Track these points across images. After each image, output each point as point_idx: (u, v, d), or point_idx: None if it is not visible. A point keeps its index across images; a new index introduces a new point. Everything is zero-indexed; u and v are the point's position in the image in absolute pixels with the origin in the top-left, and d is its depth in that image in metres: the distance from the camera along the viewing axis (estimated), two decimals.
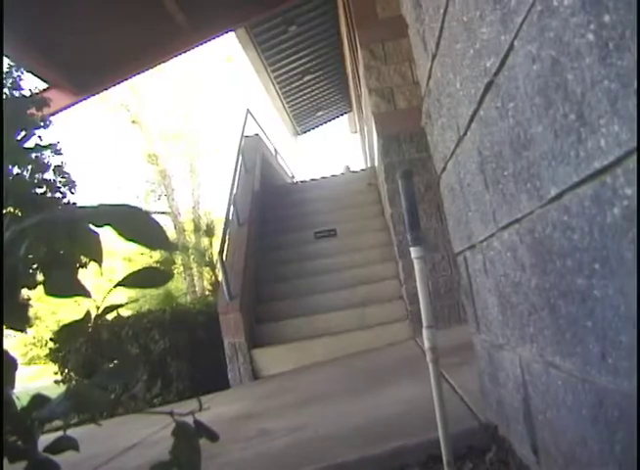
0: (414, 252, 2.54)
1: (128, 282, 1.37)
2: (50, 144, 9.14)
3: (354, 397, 4.93)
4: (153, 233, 1.05)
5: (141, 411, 1.56)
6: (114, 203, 1.09)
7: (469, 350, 3.78)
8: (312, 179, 14.66)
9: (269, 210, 11.85)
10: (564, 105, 1.31)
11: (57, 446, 1.34)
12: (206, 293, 14.10)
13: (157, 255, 20.86)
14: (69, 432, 1.38)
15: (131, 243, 1.06)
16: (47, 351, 9.80)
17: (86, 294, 1.40)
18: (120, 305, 1.62)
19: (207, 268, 14.49)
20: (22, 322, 1.19)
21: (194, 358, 8.66)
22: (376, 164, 11.05)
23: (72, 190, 9.48)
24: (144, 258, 21.95)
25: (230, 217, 9.88)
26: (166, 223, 27.68)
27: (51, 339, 9.45)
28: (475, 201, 2.32)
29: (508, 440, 2.60)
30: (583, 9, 1.14)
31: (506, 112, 1.71)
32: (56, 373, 9.22)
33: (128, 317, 8.89)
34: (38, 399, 1.34)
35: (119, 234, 1.03)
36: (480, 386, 3.08)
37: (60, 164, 9.63)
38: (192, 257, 16.98)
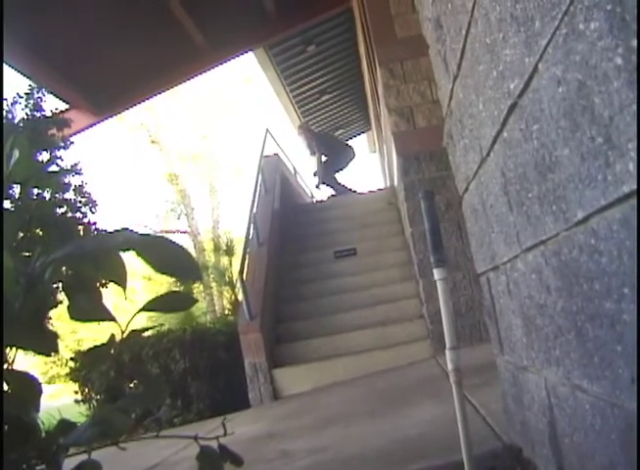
0: (437, 273, 2.54)
1: (153, 306, 1.37)
2: (72, 167, 9.20)
3: (375, 417, 4.91)
4: (183, 264, 1.05)
5: (165, 436, 1.56)
6: (144, 232, 1.09)
7: (491, 370, 3.76)
8: (331, 197, 14.68)
9: (289, 228, 11.85)
10: (591, 128, 1.30)
11: None
12: (226, 312, 14.09)
13: None
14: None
15: (160, 274, 1.06)
16: (67, 370, 9.82)
17: (111, 318, 1.41)
18: (145, 330, 1.62)
19: (227, 288, 14.48)
20: (50, 349, 1.19)
21: (214, 378, 8.65)
22: (395, 182, 11.04)
23: (93, 210, 9.54)
24: (163, 277, 21.96)
25: (250, 237, 9.90)
26: (186, 242, 27.78)
27: (71, 358, 9.46)
28: (498, 222, 2.31)
29: (533, 462, 2.58)
30: (611, 33, 1.13)
31: (530, 134, 1.71)
32: (76, 392, 9.23)
33: (149, 337, 8.90)
34: (64, 425, 1.34)
35: (149, 264, 1.03)
36: (504, 407, 3.06)
37: (80, 183, 9.68)
38: (211, 276, 16.97)
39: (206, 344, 8.83)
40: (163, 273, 1.04)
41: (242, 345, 8.18)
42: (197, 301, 1.49)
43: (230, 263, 15.42)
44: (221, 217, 28.38)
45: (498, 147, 2.09)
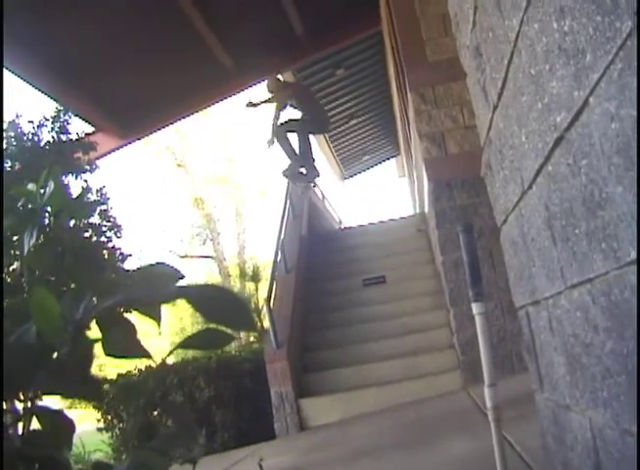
0: (476, 308, 2.51)
1: (190, 343, 1.36)
2: (99, 192, 9.25)
3: (405, 451, 4.86)
4: (236, 313, 1.03)
5: None
6: (199, 283, 1.07)
7: (526, 402, 3.71)
8: (360, 225, 14.65)
9: (317, 255, 11.85)
10: None
11: None
12: (252, 340, 14.08)
13: None
14: None
15: (212, 322, 1.05)
16: None
17: (146, 354, 1.40)
18: (192, 360, 1.61)
19: (254, 314, 14.47)
20: (94, 397, 1.18)
21: (239, 407, 8.62)
22: (426, 209, 11.01)
23: (118, 234, 9.59)
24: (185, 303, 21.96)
25: (277, 263, 9.90)
26: (211, 268, 27.81)
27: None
28: (540, 256, 2.29)
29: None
30: None
31: (578, 169, 1.68)
32: (99, 420, 9.23)
33: (173, 364, 8.90)
34: (100, 467, 1.32)
35: (202, 314, 1.01)
36: (543, 445, 3.00)
37: (105, 208, 9.74)
38: None
39: (232, 372, 8.82)
40: (216, 323, 1.03)
41: (268, 373, 8.15)
42: (234, 338, 1.48)
43: (256, 289, 15.41)
44: (247, 243, 28.46)
45: (542, 180, 2.07)
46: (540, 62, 1.84)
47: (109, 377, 9.27)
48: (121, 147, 12.61)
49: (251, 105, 13.62)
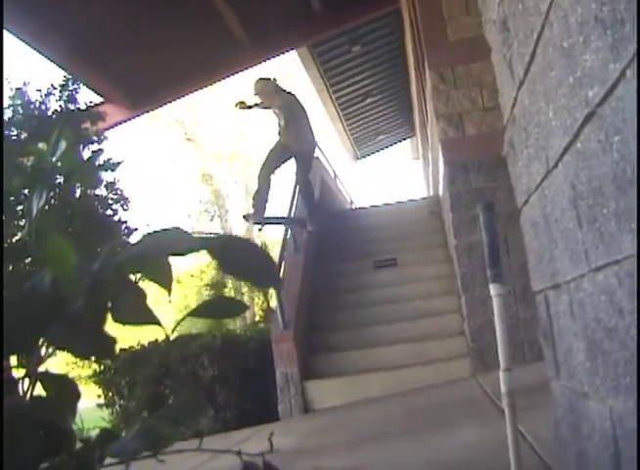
0: (494, 289, 2.48)
1: (201, 312, 1.34)
2: (106, 163, 9.26)
3: (412, 438, 4.84)
4: (260, 269, 1.00)
5: (207, 450, 1.52)
6: (218, 234, 1.04)
7: (537, 393, 3.69)
8: (372, 206, 14.60)
9: (327, 235, 11.81)
10: None
11: None
12: (257, 319, 14.06)
13: (206, 277, 20.91)
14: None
15: (235, 277, 1.01)
16: (90, 372, 9.85)
17: (156, 321, 1.38)
18: (196, 335, 1.59)
19: (259, 294, 14.42)
20: (108, 354, 1.17)
21: (243, 388, 8.62)
22: (440, 192, 10.97)
23: (125, 207, 9.58)
24: (194, 280, 22.02)
25: (287, 241, 9.86)
26: None
27: (95, 360, 9.47)
28: (563, 238, 2.26)
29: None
30: None
31: (610, 145, 1.65)
32: (99, 396, 9.24)
33: (177, 339, 8.89)
34: (105, 435, 1.31)
35: (224, 268, 0.98)
36: (557, 435, 2.98)
37: (112, 180, 9.73)
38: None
39: (237, 351, 8.81)
40: (238, 278, 0.99)
41: (274, 354, 8.14)
42: (247, 307, 1.45)
43: None
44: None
45: (569, 158, 2.04)
46: (574, 34, 1.81)
47: None
48: (130, 119, 12.58)
49: (242, 106, 10.92)
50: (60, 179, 1.64)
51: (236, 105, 10.99)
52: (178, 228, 1.35)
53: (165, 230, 1.31)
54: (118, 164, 9.48)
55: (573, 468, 2.68)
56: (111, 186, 9.59)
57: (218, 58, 11.95)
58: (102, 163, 9.09)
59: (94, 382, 9.34)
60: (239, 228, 28.17)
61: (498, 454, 2.86)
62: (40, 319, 0.82)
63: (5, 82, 8.98)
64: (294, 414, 7.91)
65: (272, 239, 21.62)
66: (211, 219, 27.46)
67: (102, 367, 8.98)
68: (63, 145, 1.60)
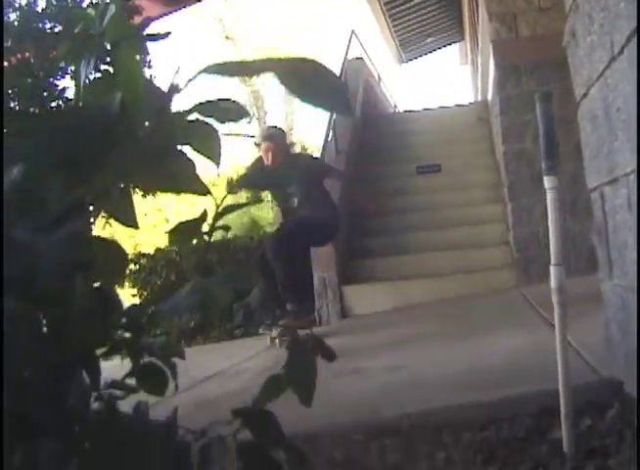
0: (548, 181, 2.46)
1: (249, 181, 1.35)
2: (163, 33, 9.19)
3: (454, 342, 4.89)
4: (332, 94, 0.97)
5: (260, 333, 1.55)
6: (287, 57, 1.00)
7: (584, 303, 3.70)
8: (416, 110, 14.45)
9: (369, 139, 11.72)
10: None
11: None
12: None
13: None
14: None
15: (303, 101, 0.98)
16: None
17: (205, 191, 1.39)
18: (242, 205, 1.60)
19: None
20: (131, 220, 1.19)
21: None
22: (489, 97, 10.81)
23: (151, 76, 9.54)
24: (202, 198, 22.04)
25: (327, 143, 9.80)
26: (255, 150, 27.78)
27: (131, 260, 9.59)
28: (625, 129, 2.23)
29: (635, 398, 2.53)
30: None
31: None
32: (134, 296, 9.39)
33: (213, 242, 8.95)
34: (156, 295, 1.34)
35: (293, 92, 0.95)
36: (606, 336, 3.01)
37: (149, 78, 9.70)
38: None
39: None
40: (308, 102, 0.96)
41: (312, 257, 8.18)
42: (249, 114, 1.43)
43: None
44: (296, 124, 28.27)
45: (637, 41, 2.00)
46: None
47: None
48: (167, 14, 12.45)
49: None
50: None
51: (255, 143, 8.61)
52: (230, 99, 1.34)
53: (217, 100, 1.30)
54: (168, 34, 9.41)
55: (622, 368, 2.71)
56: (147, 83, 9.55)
57: None
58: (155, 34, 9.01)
59: (129, 281, 9.48)
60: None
61: (543, 359, 2.88)
62: (106, 142, 0.82)
63: None
64: (331, 320, 7.97)
65: (311, 145, 21.51)
66: (249, 122, 27.36)
67: (137, 267, 9.12)
68: (112, 8, 1.59)
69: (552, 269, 2.49)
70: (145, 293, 9.18)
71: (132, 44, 1.78)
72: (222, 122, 1.29)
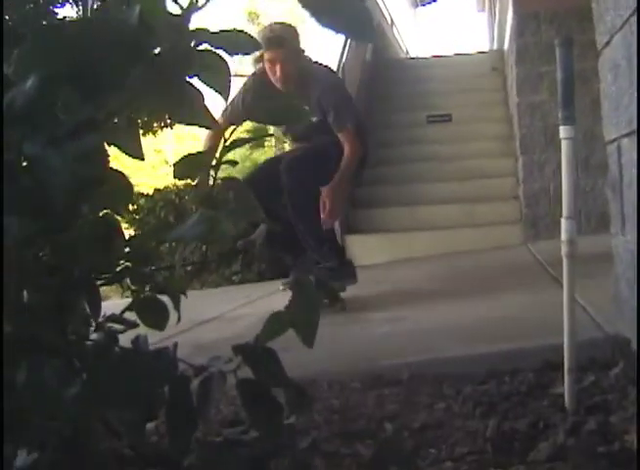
0: (564, 131, 2.46)
1: (261, 115, 1.36)
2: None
3: (458, 296, 4.92)
4: (357, 20, 0.95)
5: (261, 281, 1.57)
6: None
7: (593, 262, 3.72)
8: (428, 57, 14.36)
9: (379, 85, 11.65)
10: None
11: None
12: None
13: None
14: None
15: (323, 26, 0.96)
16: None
17: (213, 124, 1.40)
18: (250, 139, 1.61)
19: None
20: (137, 151, 1.20)
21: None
22: (505, 45, 10.72)
23: None
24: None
25: None
26: None
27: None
28: None
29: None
30: None
31: None
32: (132, 237, 9.36)
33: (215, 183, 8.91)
34: (162, 225, 1.35)
35: (313, 14, 0.93)
36: (614, 293, 3.02)
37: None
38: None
39: None
40: (330, 27, 0.94)
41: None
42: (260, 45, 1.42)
43: None
44: None
45: None
46: None
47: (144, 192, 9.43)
48: None
49: None
50: None
51: None
52: (242, 30, 1.34)
53: (227, 31, 1.30)
54: None
55: (629, 325, 2.73)
56: None
57: None
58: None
59: (125, 221, 9.47)
60: None
61: (549, 315, 2.90)
62: (124, 57, 0.83)
63: None
64: None
65: None
66: (257, 62, 27.05)
67: (135, 207, 9.10)
68: None
69: (563, 222, 2.49)
70: (141, 233, 9.17)
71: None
72: (232, 55, 1.30)
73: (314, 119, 5.22)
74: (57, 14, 6.46)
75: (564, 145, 2.47)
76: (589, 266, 3.93)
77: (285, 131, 6.04)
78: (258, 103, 1.23)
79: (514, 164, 8.79)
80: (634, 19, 2.32)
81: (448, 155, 9.48)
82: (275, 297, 5.98)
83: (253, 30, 27.30)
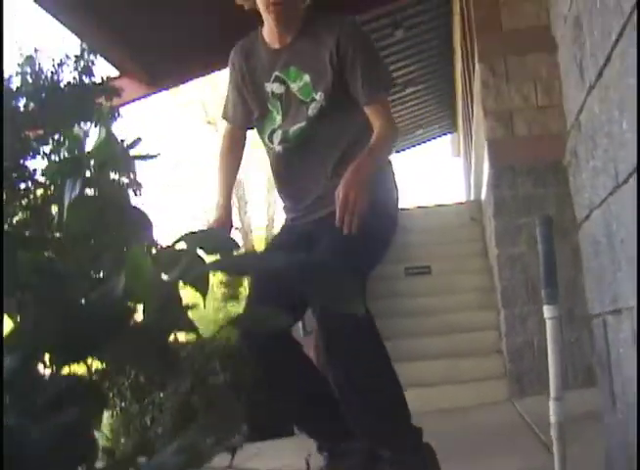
0: (548, 311, 2.50)
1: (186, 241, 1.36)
2: (152, 154, 9.25)
3: (445, 464, 4.85)
4: (345, 291, 0.99)
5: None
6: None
7: (582, 423, 3.70)
8: (405, 208, 14.53)
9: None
10: None
11: None
12: None
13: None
14: None
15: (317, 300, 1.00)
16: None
17: (192, 328, 1.41)
18: (209, 338, 1.61)
19: None
20: (172, 370, 1.20)
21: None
22: (482, 196, 10.92)
23: (137, 192, 9.58)
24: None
25: None
26: (236, 239, 27.77)
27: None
28: (628, 260, 2.26)
29: None
30: None
31: None
32: None
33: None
34: (141, 445, 1.33)
35: (305, 291, 0.98)
36: None
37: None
38: None
39: None
40: (322, 301, 0.98)
41: None
42: (239, 246, 1.44)
43: None
44: (277, 215, 28.35)
45: None
46: None
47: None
48: (148, 95, 12.49)
49: None
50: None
51: None
52: (219, 230, 1.37)
53: (205, 232, 1.33)
54: (157, 154, 9.48)
55: None
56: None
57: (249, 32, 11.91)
58: (139, 154, 9.10)
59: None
60: (258, 222, 28.16)
61: None
62: (106, 330, 0.84)
63: (15, 47, 8.96)
64: None
65: None
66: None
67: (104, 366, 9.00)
68: (103, 131, 1.62)
69: (551, 404, 2.50)
70: (110, 394, 9.07)
71: (120, 164, 1.82)
72: (210, 254, 1.32)
73: (318, 97, 3.72)
74: (27, 167, 6.60)
75: (549, 325, 2.50)
76: (578, 429, 3.91)
77: (270, 133, 4.23)
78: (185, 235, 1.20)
79: (495, 317, 8.83)
80: (613, 198, 2.38)
81: (429, 309, 9.48)
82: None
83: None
